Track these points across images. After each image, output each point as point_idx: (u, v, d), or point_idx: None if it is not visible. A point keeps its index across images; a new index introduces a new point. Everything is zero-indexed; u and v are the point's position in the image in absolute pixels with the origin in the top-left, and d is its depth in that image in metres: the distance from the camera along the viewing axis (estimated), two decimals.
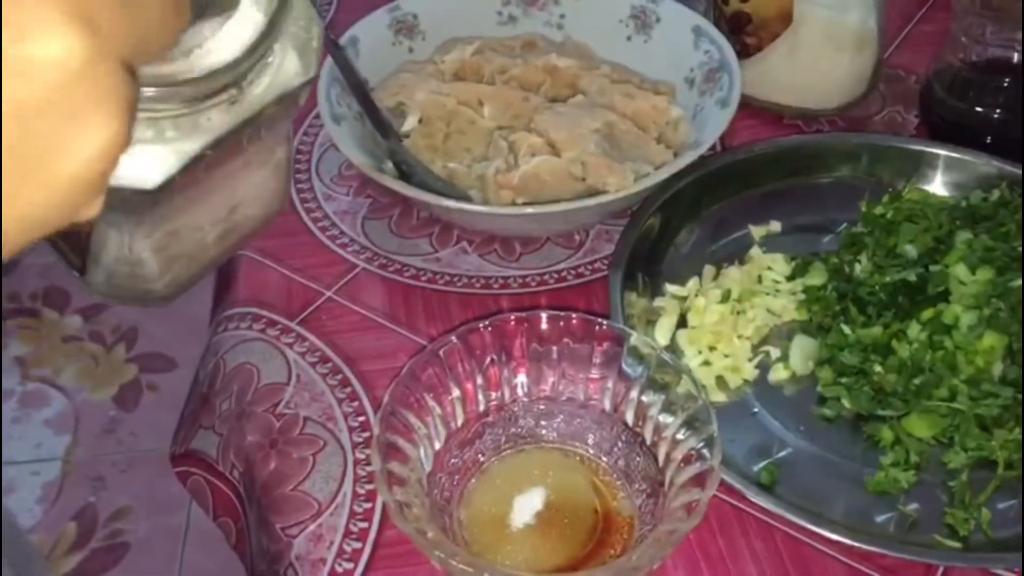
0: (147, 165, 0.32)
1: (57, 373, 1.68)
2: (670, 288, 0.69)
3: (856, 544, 0.55)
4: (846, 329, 0.64)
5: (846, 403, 0.62)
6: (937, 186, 0.75)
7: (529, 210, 0.68)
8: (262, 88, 0.34)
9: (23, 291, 1.79)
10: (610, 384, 0.59)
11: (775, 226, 0.74)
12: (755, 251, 0.72)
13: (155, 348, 1.71)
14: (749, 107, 0.82)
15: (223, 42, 0.32)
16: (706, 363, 0.65)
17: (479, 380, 0.58)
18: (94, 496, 1.55)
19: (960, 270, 0.63)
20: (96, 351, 1.71)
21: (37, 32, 0.27)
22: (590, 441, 0.59)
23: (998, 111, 0.79)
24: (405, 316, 0.70)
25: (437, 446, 0.57)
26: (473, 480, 0.58)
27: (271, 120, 0.35)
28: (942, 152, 0.75)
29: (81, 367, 1.69)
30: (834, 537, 0.55)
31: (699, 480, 0.52)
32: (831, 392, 0.63)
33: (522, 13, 0.85)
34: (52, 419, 1.62)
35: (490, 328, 0.58)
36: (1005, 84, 0.78)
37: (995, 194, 0.71)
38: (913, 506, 0.58)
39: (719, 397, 0.64)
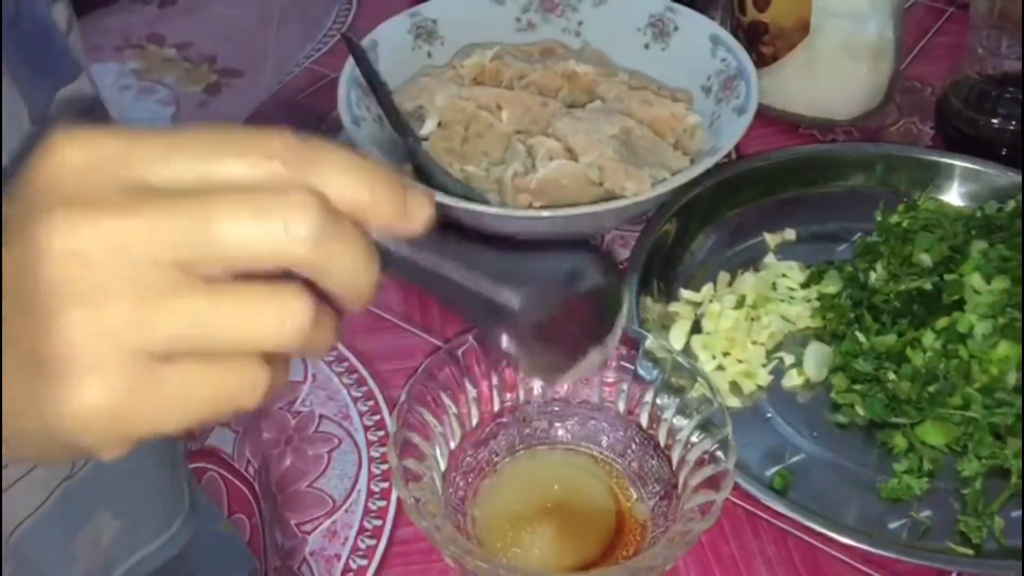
0: None
1: (161, 76, 2.33)
2: (685, 293, 0.70)
3: (869, 549, 0.55)
4: (860, 337, 0.64)
5: (860, 410, 0.63)
6: (952, 196, 0.75)
7: (546, 213, 0.68)
8: None
9: (131, 34, 2.42)
10: (625, 387, 0.59)
11: (790, 234, 0.75)
12: (770, 258, 0.72)
13: (228, 65, 2.32)
14: (765, 116, 0.82)
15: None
16: (720, 368, 0.66)
17: (495, 380, 0.59)
18: None
19: (975, 279, 0.63)
20: (188, 66, 2.36)
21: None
22: (604, 443, 0.60)
23: (1014, 123, 0.79)
24: (420, 317, 0.70)
25: (452, 445, 0.57)
26: (487, 480, 0.58)
27: None
28: (957, 163, 0.76)
29: (178, 73, 2.34)
30: (846, 542, 0.55)
31: (713, 482, 0.52)
32: (845, 399, 0.63)
33: (541, 20, 0.85)
34: (160, 99, 2.27)
35: None
36: (1021, 97, 0.78)
37: (1010, 205, 0.71)
38: (926, 513, 0.59)
39: (733, 402, 0.64)
